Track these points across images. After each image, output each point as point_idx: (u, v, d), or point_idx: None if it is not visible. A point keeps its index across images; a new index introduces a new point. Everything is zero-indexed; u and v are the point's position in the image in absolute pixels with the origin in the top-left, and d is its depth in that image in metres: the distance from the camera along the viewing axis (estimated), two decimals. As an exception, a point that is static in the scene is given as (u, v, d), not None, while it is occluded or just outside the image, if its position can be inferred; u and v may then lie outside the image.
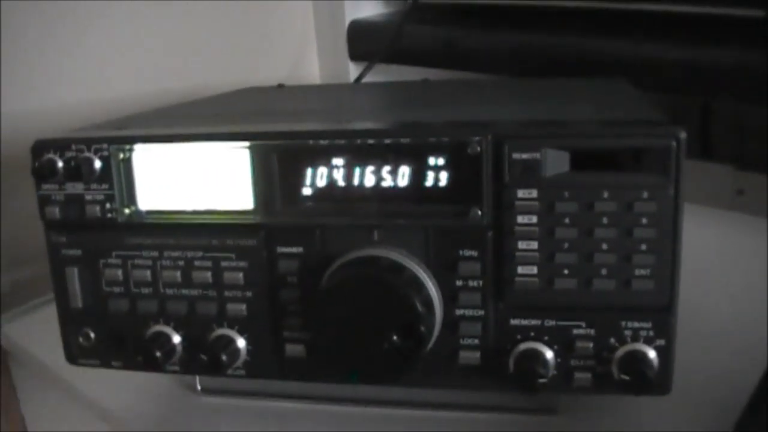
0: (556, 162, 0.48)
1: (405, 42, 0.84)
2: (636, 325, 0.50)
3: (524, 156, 0.48)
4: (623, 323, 0.50)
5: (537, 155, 0.48)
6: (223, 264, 0.53)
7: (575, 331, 0.50)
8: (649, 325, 0.49)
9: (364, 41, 0.89)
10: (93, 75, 0.75)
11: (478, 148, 0.48)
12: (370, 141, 0.50)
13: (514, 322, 0.51)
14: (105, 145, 0.53)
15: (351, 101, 0.69)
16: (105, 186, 0.53)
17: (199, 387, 0.61)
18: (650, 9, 0.76)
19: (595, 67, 0.75)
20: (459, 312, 0.51)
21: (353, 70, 0.88)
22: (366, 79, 0.83)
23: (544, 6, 0.81)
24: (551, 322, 0.50)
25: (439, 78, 0.86)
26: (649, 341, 0.50)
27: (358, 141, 0.50)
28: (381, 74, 0.87)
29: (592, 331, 0.50)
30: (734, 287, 0.73)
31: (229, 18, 0.84)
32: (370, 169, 0.51)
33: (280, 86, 0.75)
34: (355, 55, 0.89)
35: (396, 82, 0.81)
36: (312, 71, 0.91)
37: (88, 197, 0.53)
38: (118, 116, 0.62)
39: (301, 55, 0.91)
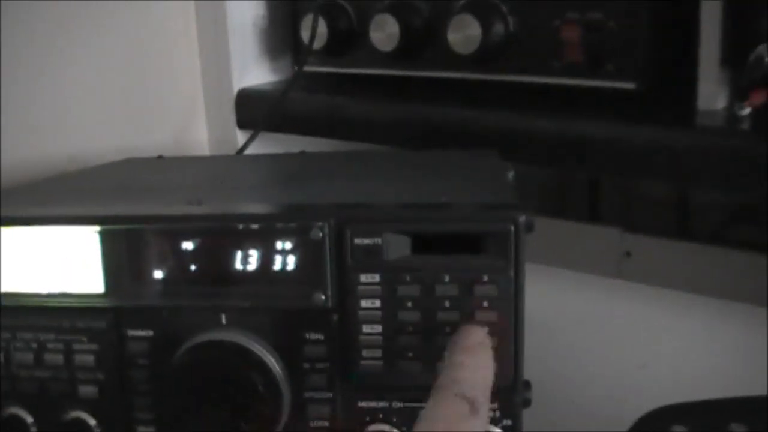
0: (397, 246, 0.49)
1: (292, 110, 0.85)
2: (482, 405, 0.50)
3: (366, 241, 0.49)
4: (468, 404, 0.50)
5: (378, 240, 0.49)
6: (75, 347, 0.53)
7: (422, 413, 0.50)
8: (494, 406, 0.50)
9: (251, 109, 0.89)
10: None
11: (320, 234, 0.49)
12: (219, 226, 0.51)
13: (361, 404, 0.51)
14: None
15: (219, 177, 0.69)
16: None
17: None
18: (528, 81, 0.78)
19: (472, 137, 0.76)
20: (307, 395, 0.51)
21: (241, 138, 0.88)
22: (254, 147, 0.84)
23: (427, 77, 0.82)
24: (398, 404, 0.51)
25: (324, 147, 0.86)
26: (495, 422, 0.51)
27: (208, 226, 0.51)
28: (269, 142, 0.87)
29: (439, 412, 0.50)
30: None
31: (117, 84, 0.84)
32: (219, 252, 0.51)
33: (160, 158, 0.75)
34: (242, 123, 0.90)
35: (273, 154, 0.82)
36: (201, 138, 0.91)
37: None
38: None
39: (189, 122, 0.91)
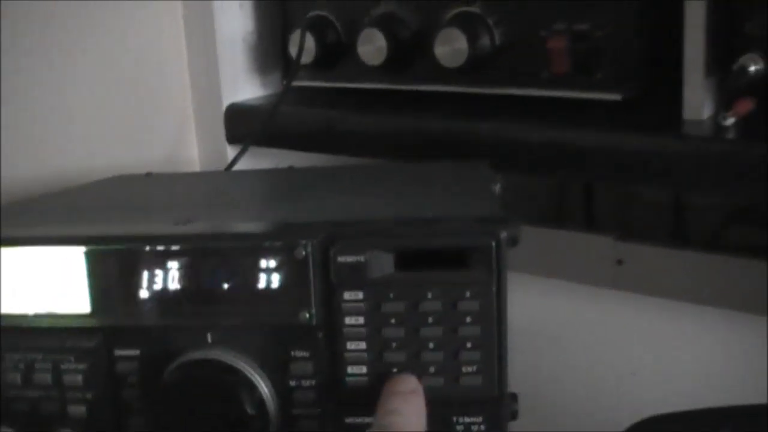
0: (381, 263, 0.49)
1: (282, 125, 0.85)
2: (467, 419, 0.51)
3: (349, 259, 0.49)
4: (455, 418, 0.51)
5: (362, 258, 0.49)
6: (63, 366, 0.54)
7: (408, 428, 0.51)
8: (479, 419, 0.51)
9: (241, 124, 0.90)
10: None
11: (304, 252, 0.49)
12: (205, 246, 0.51)
13: (348, 420, 0.51)
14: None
15: (207, 195, 0.70)
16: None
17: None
18: (516, 93, 0.78)
19: (462, 149, 0.77)
20: (295, 411, 0.52)
21: (231, 153, 0.89)
22: (245, 162, 0.84)
23: (418, 90, 0.83)
24: (385, 419, 0.51)
25: (315, 161, 0.87)
26: (482, 435, 0.51)
27: (193, 246, 0.51)
28: (259, 157, 0.88)
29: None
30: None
31: (108, 102, 0.85)
32: (204, 271, 0.51)
33: (148, 175, 0.76)
34: (233, 138, 0.90)
35: (261, 170, 0.82)
36: (191, 154, 0.92)
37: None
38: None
39: (180, 138, 0.92)
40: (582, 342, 0.90)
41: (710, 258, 0.83)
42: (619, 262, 0.93)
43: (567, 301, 0.92)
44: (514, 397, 0.53)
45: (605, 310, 0.89)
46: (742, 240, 0.97)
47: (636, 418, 0.64)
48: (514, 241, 0.49)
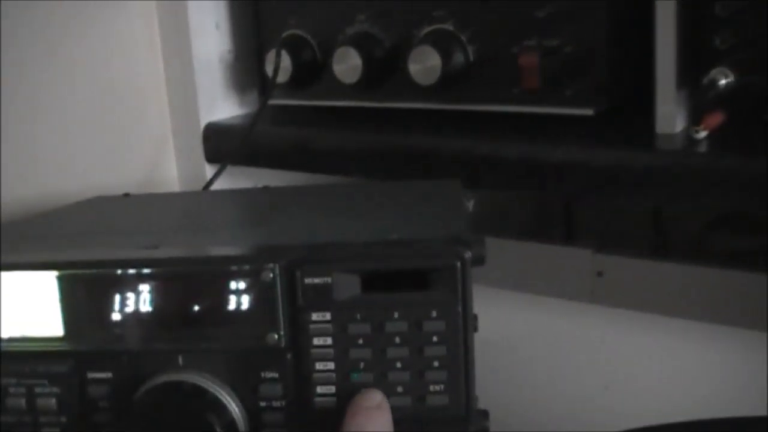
0: (347, 285, 0.50)
1: (260, 144, 0.86)
2: (435, 438, 0.51)
3: (316, 280, 0.50)
4: (423, 437, 0.51)
5: (328, 279, 0.50)
6: (37, 390, 0.54)
7: (378, 446, 0.51)
8: (448, 438, 0.51)
9: (219, 143, 0.90)
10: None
11: (271, 275, 0.50)
12: (174, 269, 0.52)
13: (319, 440, 0.52)
14: None
15: (181, 216, 0.70)
16: None
17: None
18: (490, 110, 0.79)
19: (437, 166, 0.78)
20: (265, 432, 0.52)
21: (210, 172, 0.89)
22: (223, 181, 0.85)
23: (391, 107, 0.84)
24: (354, 439, 0.52)
25: (292, 179, 0.88)
26: (451, 453, 0.51)
27: (163, 269, 0.52)
28: (238, 176, 0.89)
29: (394, 446, 0.51)
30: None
31: (86, 123, 0.86)
32: (174, 295, 0.52)
33: (126, 195, 0.76)
34: (211, 157, 0.91)
35: (236, 190, 0.83)
36: (170, 173, 0.93)
37: None
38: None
39: (159, 158, 0.92)
40: (559, 356, 0.91)
41: (690, 269, 0.84)
42: (599, 274, 0.94)
43: (544, 315, 0.92)
44: (485, 414, 0.53)
45: (582, 324, 0.90)
46: (721, 249, 0.98)
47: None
48: (479, 261, 0.50)
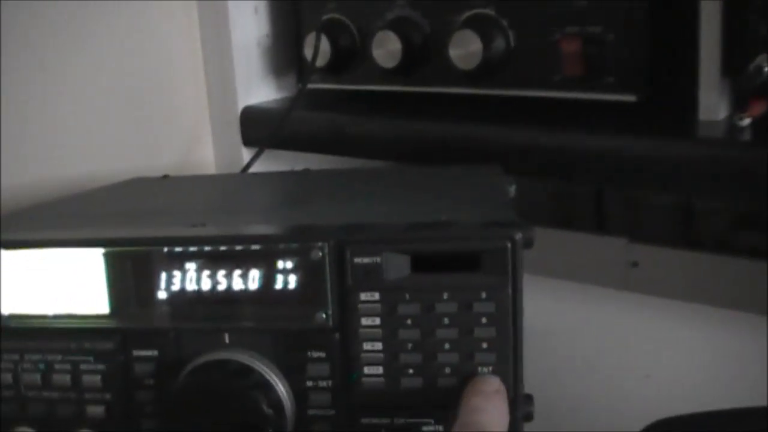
0: (396, 265, 0.50)
1: (297, 128, 0.86)
2: (483, 420, 0.51)
3: (365, 260, 0.50)
4: (471, 419, 0.51)
5: (378, 259, 0.49)
6: (82, 367, 0.54)
7: (424, 429, 0.51)
8: (496, 421, 0.51)
9: (256, 127, 0.90)
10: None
11: (320, 254, 0.50)
12: (221, 248, 0.51)
13: (364, 420, 0.52)
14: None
15: (223, 197, 0.70)
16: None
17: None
18: (530, 95, 0.78)
19: (475, 152, 0.77)
20: (311, 412, 0.52)
21: (247, 156, 0.89)
22: (260, 164, 0.85)
23: (430, 92, 0.83)
24: (401, 420, 0.51)
25: (329, 164, 0.87)
26: (496, 437, 0.51)
27: (209, 248, 0.52)
28: (274, 160, 0.88)
29: (441, 428, 0.51)
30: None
31: (124, 106, 0.86)
32: (221, 273, 0.52)
33: (165, 177, 0.76)
34: (248, 141, 0.91)
35: (277, 172, 0.83)
36: (207, 156, 0.93)
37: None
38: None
39: (196, 141, 0.92)
40: (596, 344, 0.90)
41: (724, 260, 0.84)
42: (634, 264, 0.93)
43: (580, 303, 0.92)
44: (529, 398, 0.53)
45: (618, 311, 0.90)
46: (756, 242, 0.97)
47: (650, 419, 0.65)
48: (528, 243, 0.50)
